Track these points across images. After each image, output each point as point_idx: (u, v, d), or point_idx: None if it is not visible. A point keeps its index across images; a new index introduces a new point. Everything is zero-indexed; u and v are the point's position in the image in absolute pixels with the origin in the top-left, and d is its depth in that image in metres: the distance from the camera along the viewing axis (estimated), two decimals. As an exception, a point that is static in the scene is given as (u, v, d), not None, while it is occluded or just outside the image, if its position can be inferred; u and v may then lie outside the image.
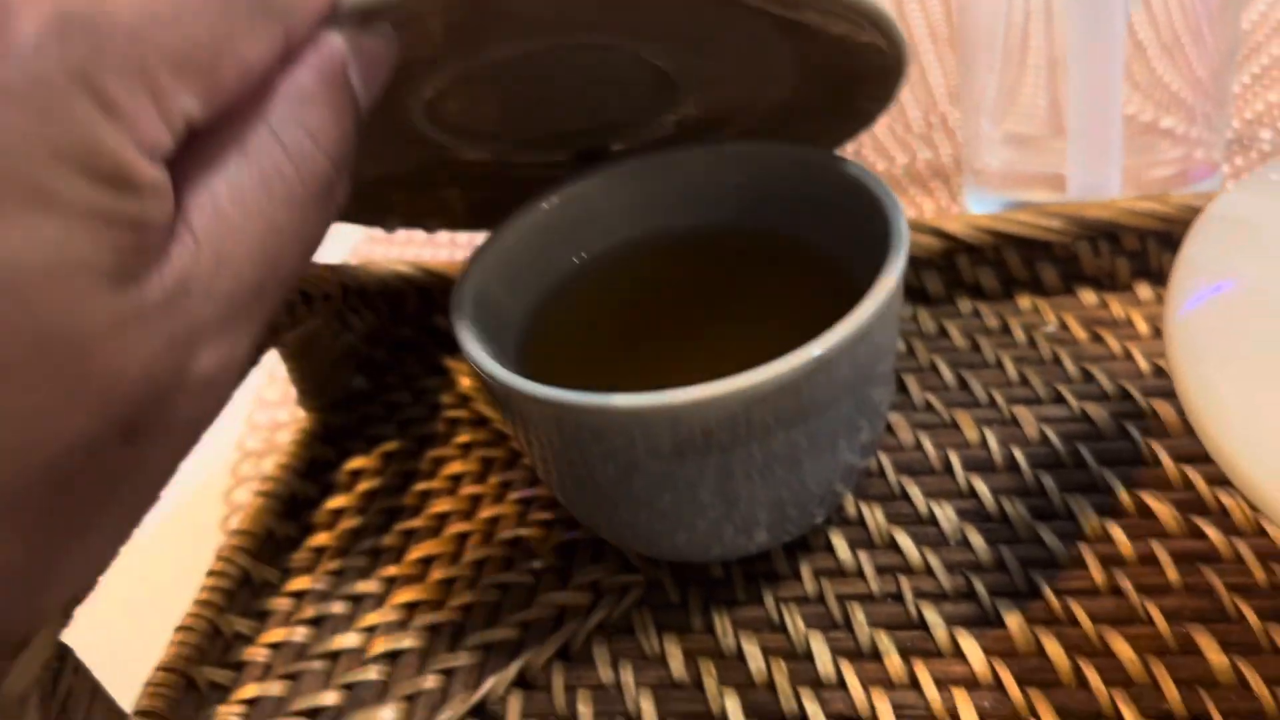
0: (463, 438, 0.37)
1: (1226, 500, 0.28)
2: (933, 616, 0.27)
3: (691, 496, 0.25)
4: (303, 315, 0.34)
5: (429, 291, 0.40)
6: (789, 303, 0.30)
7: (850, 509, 0.30)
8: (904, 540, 0.29)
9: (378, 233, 0.54)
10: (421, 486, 0.35)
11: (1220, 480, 0.29)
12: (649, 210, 0.31)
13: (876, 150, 0.49)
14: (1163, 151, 0.40)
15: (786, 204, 0.30)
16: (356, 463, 0.37)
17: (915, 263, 0.37)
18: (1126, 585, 0.26)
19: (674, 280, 0.31)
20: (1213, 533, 0.27)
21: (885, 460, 0.31)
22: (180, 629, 0.30)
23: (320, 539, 0.34)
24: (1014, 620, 0.26)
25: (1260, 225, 0.26)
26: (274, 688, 0.29)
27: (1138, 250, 0.35)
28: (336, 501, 0.35)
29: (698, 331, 0.30)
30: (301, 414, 0.39)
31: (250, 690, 0.29)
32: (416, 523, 0.34)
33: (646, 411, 0.23)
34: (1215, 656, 0.24)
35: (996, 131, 0.40)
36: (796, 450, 0.25)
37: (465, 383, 0.39)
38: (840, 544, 0.29)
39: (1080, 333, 0.34)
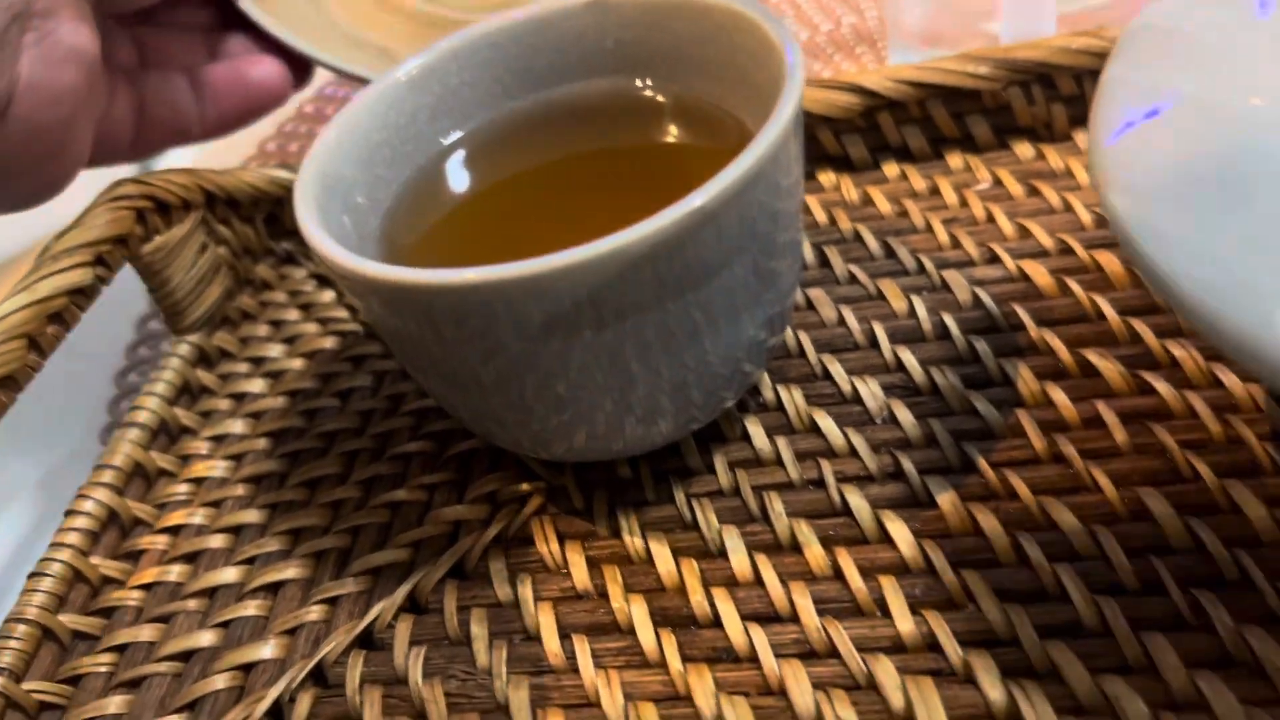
0: (355, 350, 0.34)
1: (1177, 352, 0.25)
2: (857, 501, 0.24)
3: (582, 384, 0.22)
4: (158, 225, 0.31)
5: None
6: (686, 167, 0.26)
7: (768, 393, 0.27)
8: (825, 422, 0.26)
9: (272, 145, 0.50)
10: (309, 406, 0.32)
11: (1170, 331, 0.26)
12: (522, 78, 0.28)
13: (799, 19, 0.45)
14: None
15: (674, 57, 0.27)
16: (239, 386, 0.34)
17: (835, 126, 0.33)
18: (1070, 451, 0.24)
19: (556, 152, 0.28)
20: (1163, 388, 0.25)
21: (805, 339, 0.29)
22: (33, 575, 0.27)
23: (198, 469, 0.31)
24: (946, 499, 0.24)
25: (1194, 33, 0.23)
26: (144, 632, 0.27)
27: (1074, 94, 0.32)
28: (217, 429, 0.32)
29: (586, 207, 0.26)
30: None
31: (120, 637, 0.27)
32: (303, 444, 0.31)
33: (508, 284, 0.20)
34: (1168, 520, 0.22)
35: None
36: (692, 323, 0.22)
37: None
38: (757, 431, 0.26)
39: (1015, 188, 0.31)
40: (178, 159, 0.50)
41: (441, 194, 0.27)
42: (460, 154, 0.28)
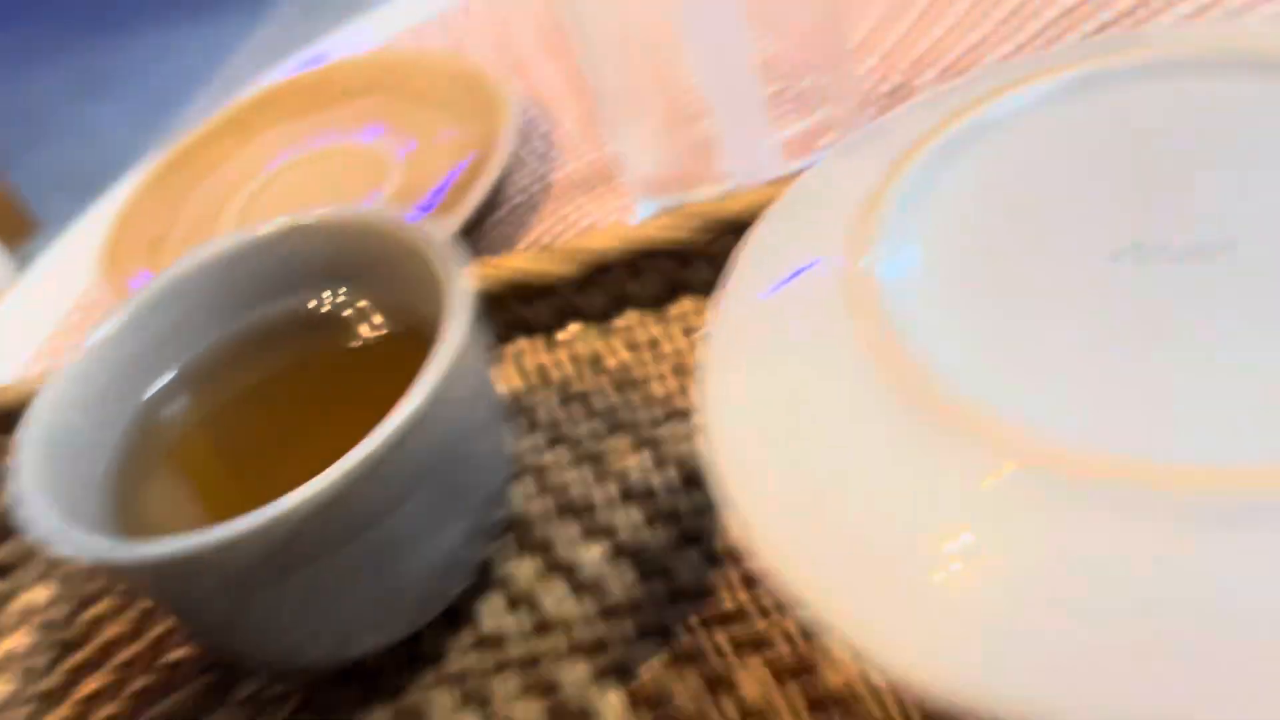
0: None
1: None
2: (570, 676, 0.26)
3: (293, 617, 0.24)
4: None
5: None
6: (395, 374, 0.28)
7: (507, 568, 0.29)
8: (551, 593, 0.28)
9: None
10: (92, 614, 0.33)
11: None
12: (234, 302, 0.29)
13: (540, 158, 0.47)
14: (810, 115, 0.39)
15: (369, 272, 0.29)
16: (27, 597, 0.35)
17: (560, 288, 0.35)
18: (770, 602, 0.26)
19: (269, 374, 0.29)
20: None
21: (539, 506, 0.31)
22: None
23: (-20, 696, 0.32)
24: (653, 664, 0.26)
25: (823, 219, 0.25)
26: None
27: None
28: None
29: (304, 430, 0.28)
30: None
31: None
32: (82, 656, 0.32)
33: (170, 562, 0.22)
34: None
35: (637, 132, 0.39)
36: (397, 539, 0.24)
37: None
38: (491, 610, 0.28)
39: (734, 330, 0.34)
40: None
41: (163, 433, 0.28)
42: (182, 388, 0.29)
